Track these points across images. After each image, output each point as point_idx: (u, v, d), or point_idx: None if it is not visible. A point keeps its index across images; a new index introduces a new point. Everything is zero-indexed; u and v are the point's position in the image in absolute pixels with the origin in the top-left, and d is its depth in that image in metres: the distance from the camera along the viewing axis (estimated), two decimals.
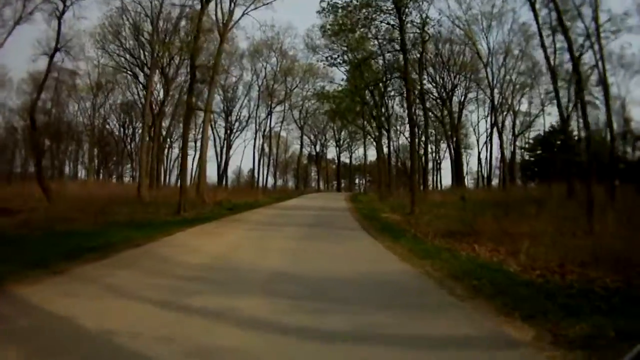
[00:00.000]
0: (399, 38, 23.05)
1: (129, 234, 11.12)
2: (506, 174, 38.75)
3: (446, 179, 71.78)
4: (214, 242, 11.04)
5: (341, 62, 32.78)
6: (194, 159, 41.94)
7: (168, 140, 46.03)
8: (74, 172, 52.90)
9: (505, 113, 46.12)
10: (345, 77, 39.65)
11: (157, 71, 35.12)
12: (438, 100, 46.98)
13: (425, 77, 40.75)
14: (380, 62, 33.22)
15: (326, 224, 16.57)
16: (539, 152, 46.27)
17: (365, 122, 46.87)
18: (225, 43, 31.34)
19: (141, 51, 35.56)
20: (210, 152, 52.28)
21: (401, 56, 24.52)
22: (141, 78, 37.14)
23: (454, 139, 46.37)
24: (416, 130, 30.06)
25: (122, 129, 50.85)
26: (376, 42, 28.11)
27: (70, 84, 45.42)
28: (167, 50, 33.37)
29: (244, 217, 19.15)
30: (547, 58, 21.62)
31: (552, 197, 20.47)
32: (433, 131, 54.73)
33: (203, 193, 27.06)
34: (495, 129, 46.20)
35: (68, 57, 29.66)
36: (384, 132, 45.53)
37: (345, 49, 33.74)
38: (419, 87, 37.86)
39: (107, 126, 51.69)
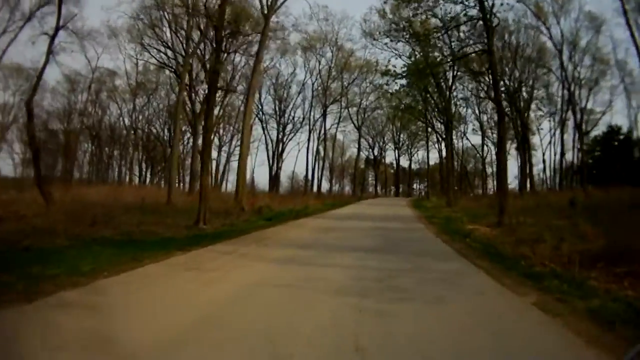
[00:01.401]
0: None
1: (91, 259, 7.51)
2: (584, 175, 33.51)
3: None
4: (191, 297, 5.69)
5: (406, 36, 27.21)
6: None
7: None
8: (118, 177, 49.38)
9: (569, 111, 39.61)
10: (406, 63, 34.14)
11: (197, 63, 30.86)
12: (505, 95, 40.29)
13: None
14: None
15: (398, 245, 11.10)
16: (596, 153, 40.48)
17: (430, 118, 41.01)
18: (271, 28, 26.67)
19: (182, 45, 31.46)
20: (262, 156, 49.02)
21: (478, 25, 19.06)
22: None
23: (522, 138, 39.63)
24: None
25: (168, 132, 47.72)
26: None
27: (110, 85, 43.27)
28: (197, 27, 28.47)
29: (279, 232, 14.12)
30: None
31: None
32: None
33: (242, 199, 22.51)
34: (563, 127, 40.28)
35: (74, 39, 26.05)
36: (452, 129, 40.00)
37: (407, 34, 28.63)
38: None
39: (154, 129, 48.56)
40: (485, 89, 36.87)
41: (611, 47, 44.98)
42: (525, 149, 40.83)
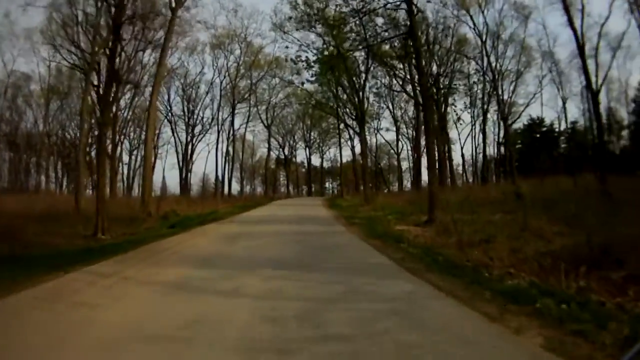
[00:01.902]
0: None
1: None
2: (512, 167, 32.92)
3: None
4: None
5: (318, 26, 25.42)
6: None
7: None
8: (36, 185, 44.21)
9: (490, 103, 39.97)
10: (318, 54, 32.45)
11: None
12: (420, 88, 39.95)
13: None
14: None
15: (321, 257, 8.79)
16: (518, 145, 41.01)
17: (342, 114, 39.71)
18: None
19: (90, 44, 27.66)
20: (173, 159, 45.48)
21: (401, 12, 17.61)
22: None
23: (440, 130, 39.46)
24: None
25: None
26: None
27: (25, 90, 40.72)
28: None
29: (180, 243, 11.64)
30: None
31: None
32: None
33: (148, 204, 19.42)
34: (485, 119, 40.62)
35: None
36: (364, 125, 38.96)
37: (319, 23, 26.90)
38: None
39: (68, 135, 43.73)
40: (401, 82, 35.97)
41: (538, 37, 46.69)
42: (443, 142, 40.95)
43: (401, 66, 32.81)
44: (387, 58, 30.74)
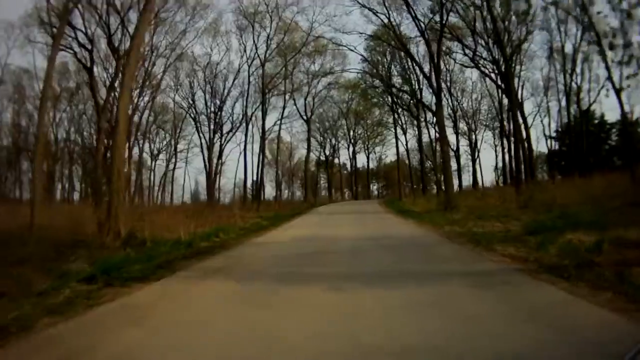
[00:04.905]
0: None
1: None
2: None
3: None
4: None
5: None
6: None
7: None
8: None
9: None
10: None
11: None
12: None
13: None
14: None
15: None
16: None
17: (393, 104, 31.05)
18: None
19: None
20: (200, 163, 37.53)
21: None
22: None
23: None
24: None
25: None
26: None
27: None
28: None
29: None
30: None
31: None
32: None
33: (116, 219, 10.82)
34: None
35: None
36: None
37: None
38: None
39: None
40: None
41: None
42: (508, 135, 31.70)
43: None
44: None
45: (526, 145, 25.74)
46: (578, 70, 29.29)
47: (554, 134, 35.19)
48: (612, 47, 17.06)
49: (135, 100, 27.20)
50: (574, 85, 29.64)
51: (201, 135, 36.38)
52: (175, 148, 41.07)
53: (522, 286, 5.03)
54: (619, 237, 6.23)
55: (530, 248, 7.12)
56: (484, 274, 5.79)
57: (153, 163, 41.18)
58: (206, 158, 35.73)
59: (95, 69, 23.24)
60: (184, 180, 62.85)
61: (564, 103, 31.26)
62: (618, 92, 17.93)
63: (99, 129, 21.79)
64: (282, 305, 4.67)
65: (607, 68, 17.97)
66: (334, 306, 4.53)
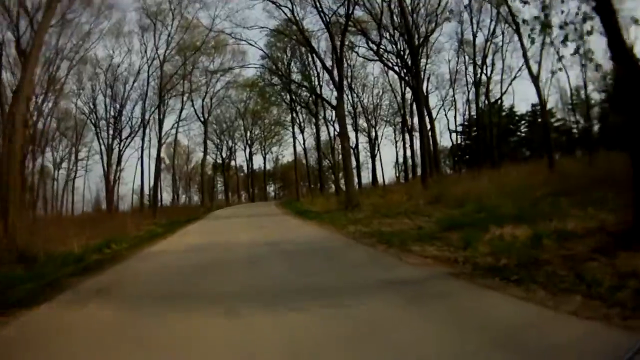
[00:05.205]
0: None
1: None
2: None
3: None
4: None
5: None
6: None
7: None
8: None
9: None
10: None
11: None
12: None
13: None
14: None
15: None
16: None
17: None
18: None
19: None
20: (100, 171, 33.53)
21: None
22: None
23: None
24: None
25: None
26: None
27: None
28: None
29: None
30: None
31: None
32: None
33: (14, 232, 9.50)
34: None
35: None
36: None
37: None
38: None
39: None
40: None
41: None
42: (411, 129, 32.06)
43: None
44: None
45: (431, 138, 25.95)
46: (488, 61, 29.06)
47: (459, 128, 35.83)
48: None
49: (39, 106, 25.24)
50: (483, 77, 29.40)
51: (101, 141, 33.15)
52: (77, 156, 36.87)
53: (464, 296, 4.00)
54: (557, 230, 5.51)
55: (454, 247, 6.23)
56: (411, 282, 4.70)
57: (56, 172, 36.86)
58: (105, 165, 32.30)
59: (3, 74, 21.02)
60: (83, 188, 56.61)
61: (472, 96, 31.24)
62: (536, 78, 18.83)
63: (4, 136, 18.57)
64: (166, 343, 3.45)
65: (525, 55, 18.44)
66: (228, 343, 3.28)
